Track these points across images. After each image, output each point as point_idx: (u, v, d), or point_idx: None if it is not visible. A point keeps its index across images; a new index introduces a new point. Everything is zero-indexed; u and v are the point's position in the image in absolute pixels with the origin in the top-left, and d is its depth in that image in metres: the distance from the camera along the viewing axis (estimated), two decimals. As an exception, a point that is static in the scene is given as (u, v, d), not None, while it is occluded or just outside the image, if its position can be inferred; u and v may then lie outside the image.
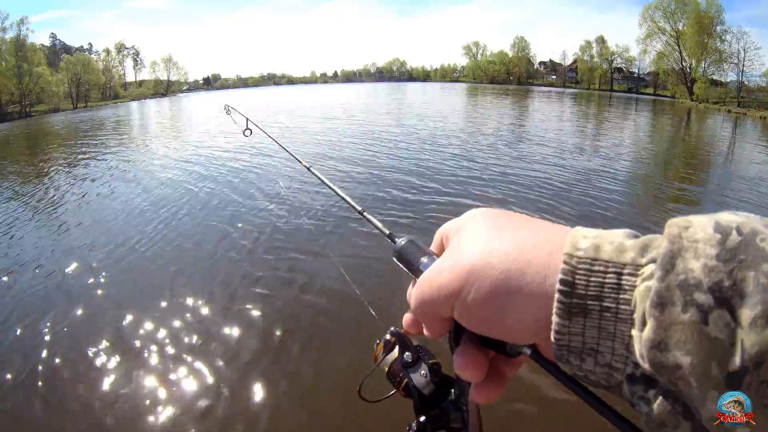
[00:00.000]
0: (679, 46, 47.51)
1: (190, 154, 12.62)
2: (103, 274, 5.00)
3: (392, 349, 0.59)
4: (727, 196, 8.88)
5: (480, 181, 8.64)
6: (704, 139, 19.51)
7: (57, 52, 68.02)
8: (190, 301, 4.36)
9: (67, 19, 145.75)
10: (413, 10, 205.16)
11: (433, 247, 0.48)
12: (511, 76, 78.55)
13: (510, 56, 79.28)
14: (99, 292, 4.66)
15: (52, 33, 75.12)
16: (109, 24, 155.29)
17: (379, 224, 0.74)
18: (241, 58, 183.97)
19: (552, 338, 0.32)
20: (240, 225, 6.33)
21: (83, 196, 8.72)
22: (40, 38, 78.86)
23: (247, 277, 4.80)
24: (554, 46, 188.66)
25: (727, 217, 0.28)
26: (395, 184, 8.26)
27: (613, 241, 0.31)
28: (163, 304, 4.34)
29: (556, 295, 0.31)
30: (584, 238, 0.33)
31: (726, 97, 43.14)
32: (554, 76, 79.11)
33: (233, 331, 3.87)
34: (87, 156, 13.80)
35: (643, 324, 0.27)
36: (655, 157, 13.67)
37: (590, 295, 0.30)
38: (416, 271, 0.47)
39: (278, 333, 3.82)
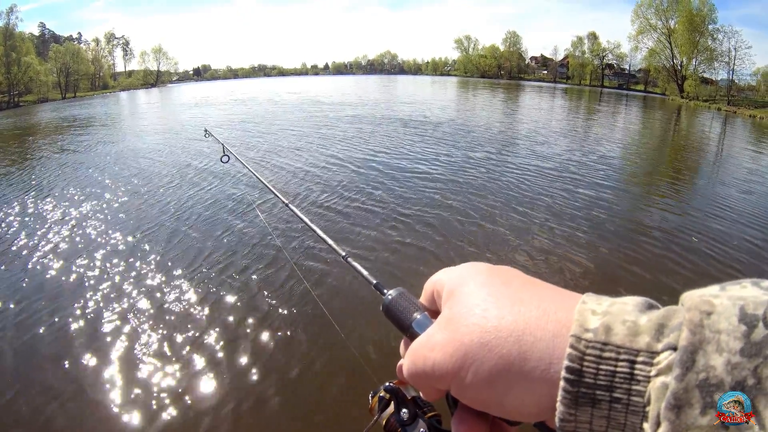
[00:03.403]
0: (670, 43, 48.20)
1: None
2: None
3: (388, 405, 0.57)
4: (717, 191, 9.38)
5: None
6: (695, 136, 20.13)
7: (46, 41, 66.38)
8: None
9: (56, 9, 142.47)
10: (405, 2, 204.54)
11: (423, 299, 0.45)
12: (502, 70, 78.99)
13: (501, 51, 79.71)
14: None
15: (41, 22, 73.48)
16: (98, 13, 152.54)
17: (365, 272, 0.68)
18: (231, 49, 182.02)
19: (556, 424, 0.30)
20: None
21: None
22: (29, 27, 76.94)
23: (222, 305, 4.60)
24: (546, 41, 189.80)
25: (755, 298, 0.26)
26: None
27: (626, 320, 0.29)
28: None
29: (562, 383, 0.29)
30: (593, 315, 0.30)
31: (716, 95, 43.88)
32: (545, 71, 79.62)
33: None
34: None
35: (657, 424, 0.25)
36: (647, 151, 14.30)
37: (599, 385, 0.28)
38: (407, 329, 0.44)
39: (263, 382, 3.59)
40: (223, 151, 2.60)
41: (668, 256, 5.70)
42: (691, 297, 0.27)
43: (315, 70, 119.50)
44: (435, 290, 0.42)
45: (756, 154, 15.01)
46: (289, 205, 1.42)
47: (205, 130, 3.36)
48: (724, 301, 0.26)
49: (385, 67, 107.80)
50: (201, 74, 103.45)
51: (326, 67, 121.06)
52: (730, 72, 44.64)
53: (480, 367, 0.32)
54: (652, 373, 0.27)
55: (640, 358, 0.27)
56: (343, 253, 0.86)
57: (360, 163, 10.22)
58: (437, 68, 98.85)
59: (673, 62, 48.61)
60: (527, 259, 5.57)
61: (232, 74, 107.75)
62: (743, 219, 7.41)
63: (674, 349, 0.26)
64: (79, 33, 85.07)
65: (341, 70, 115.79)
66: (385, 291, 0.50)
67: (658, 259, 5.63)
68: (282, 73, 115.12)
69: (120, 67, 77.19)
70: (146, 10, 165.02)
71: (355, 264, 0.75)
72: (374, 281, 0.63)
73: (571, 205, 7.55)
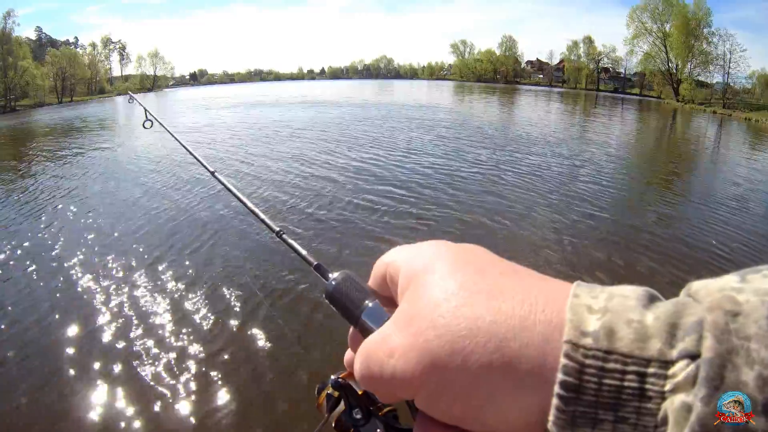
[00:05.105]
0: (665, 47, 48.61)
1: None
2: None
3: (338, 403, 0.50)
4: (714, 188, 9.68)
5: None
6: (690, 139, 20.39)
7: (43, 45, 66.30)
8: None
9: (53, 13, 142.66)
10: (400, 7, 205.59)
11: (372, 283, 0.38)
12: (498, 74, 79.36)
13: (497, 55, 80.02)
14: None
15: (38, 26, 73.78)
16: (95, 18, 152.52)
17: (303, 251, 0.61)
18: (227, 53, 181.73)
19: None
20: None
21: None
22: (25, 32, 76.89)
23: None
24: (541, 45, 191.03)
25: None
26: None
27: (631, 320, 0.24)
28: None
29: (555, 401, 0.24)
30: (591, 314, 0.25)
31: (711, 98, 44.13)
32: (541, 75, 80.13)
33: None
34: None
35: None
36: (643, 153, 14.56)
37: (602, 403, 0.23)
38: (357, 319, 0.38)
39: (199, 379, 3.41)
40: (146, 116, 2.44)
41: (673, 249, 5.78)
42: (709, 291, 0.23)
43: (311, 75, 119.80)
44: (388, 274, 0.35)
45: (754, 155, 15.21)
46: (215, 174, 1.26)
47: (129, 94, 3.35)
48: (751, 297, 0.22)
49: (382, 71, 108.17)
50: (198, 79, 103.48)
51: (322, 71, 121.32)
52: (726, 75, 45.16)
53: (452, 380, 0.26)
54: (667, 387, 0.22)
55: (651, 370, 0.22)
56: (277, 229, 0.76)
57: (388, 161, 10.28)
58: (433, 73, 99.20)
59: (669, 66, 49.00)
60: (532, 248, 5.65)
61: (229, 79, 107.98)
62: (746, 212, 7.58)
63: (692, 357, 0.22)
64: (76, 37, 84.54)
65: (337, 74, 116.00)
66: (329, 275, 0.44)
67: (665, 251, 5.70)
68: (278, 77, 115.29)
69: (116, 72, 77.51)
70: (142, 15, 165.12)
71: (292, 242, 0.66)
72: (315, 262, 0.55)
73: (582, 200, 7.63)
